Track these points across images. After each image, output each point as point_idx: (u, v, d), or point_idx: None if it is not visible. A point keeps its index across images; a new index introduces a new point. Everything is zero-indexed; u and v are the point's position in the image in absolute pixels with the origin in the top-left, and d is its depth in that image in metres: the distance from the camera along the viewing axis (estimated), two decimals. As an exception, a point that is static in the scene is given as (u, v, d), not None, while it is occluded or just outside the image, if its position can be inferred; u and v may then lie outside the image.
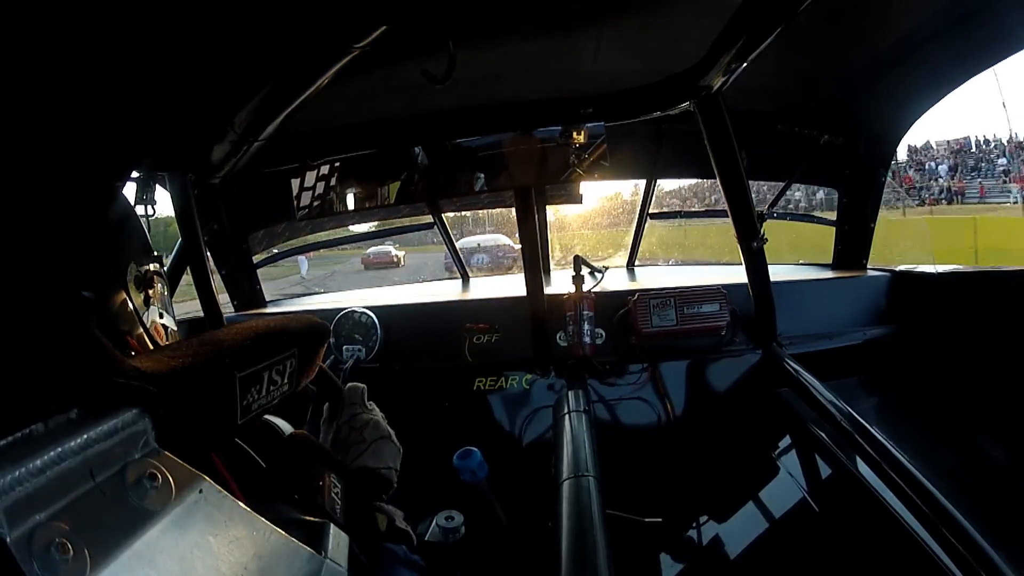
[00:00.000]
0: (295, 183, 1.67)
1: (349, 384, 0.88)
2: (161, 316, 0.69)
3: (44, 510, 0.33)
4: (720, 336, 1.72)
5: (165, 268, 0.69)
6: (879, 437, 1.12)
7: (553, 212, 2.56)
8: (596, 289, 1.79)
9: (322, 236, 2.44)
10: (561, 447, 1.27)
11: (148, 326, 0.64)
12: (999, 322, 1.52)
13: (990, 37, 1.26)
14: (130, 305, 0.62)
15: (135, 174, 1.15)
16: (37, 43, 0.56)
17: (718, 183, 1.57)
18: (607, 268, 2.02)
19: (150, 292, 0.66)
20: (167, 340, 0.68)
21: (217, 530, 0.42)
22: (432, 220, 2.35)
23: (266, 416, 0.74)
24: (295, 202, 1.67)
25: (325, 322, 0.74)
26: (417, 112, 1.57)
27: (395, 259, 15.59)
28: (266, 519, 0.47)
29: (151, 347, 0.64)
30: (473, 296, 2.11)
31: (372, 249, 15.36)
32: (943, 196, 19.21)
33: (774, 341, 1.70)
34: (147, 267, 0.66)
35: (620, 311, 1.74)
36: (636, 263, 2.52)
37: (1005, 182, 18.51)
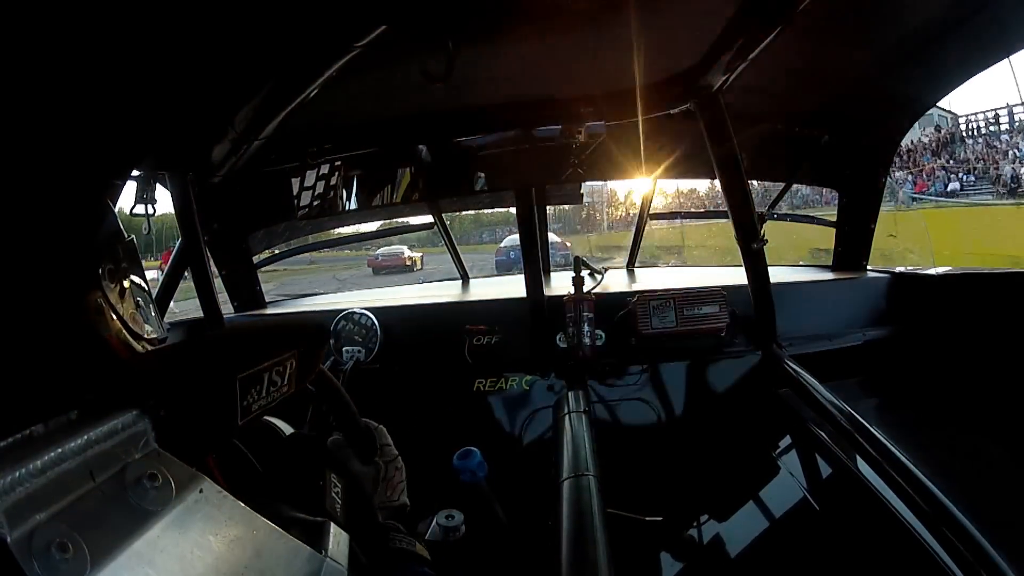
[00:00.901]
0: (295, 183, 1.66)
1: (377, 425, 0.91)
2: (145, 321, 0.68)
3: (44, 510, 0.32)
4: (720, 337, 1.72)
5: (129, 264, 0.67)
6: (879, 437, 1.12)
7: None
8: (596, 290, 1.79)
9: (322, 236, 2.44)
10: (561, 447, 1.27)
11: (128, 320, 0.64)
12: (999, 323, 1.52)
13: (991, 37, 1.26)
14: (109, 302, 0.61)
15: (135, 173, 1.16)
16: (37, 43, 0.56)
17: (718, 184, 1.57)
18: (607, 269, 2.02)
19: (125, 286, 0.65)
20: (147, 333, 0.67)
21: (217, 530, 0.42)
22: (432, 220, 2.36)
23: (266, 417, 0.74)
24: (295, 202, 1.67)
25: (325, 323, 0.74)
26: (417, 112, 1.56)
27: (409, 261, 13.78)
28: (266, 519, 0.47)
29: (134, 344, 0.63)
30: (473, 297, 2.12)
31: (382, 250, 13.76)
32: None
33: (774, 342, 1.70)
34: (121, 263, 0.65)
35: (620, 312, 1.74)
36: (636, 264, 2.52)
37: None
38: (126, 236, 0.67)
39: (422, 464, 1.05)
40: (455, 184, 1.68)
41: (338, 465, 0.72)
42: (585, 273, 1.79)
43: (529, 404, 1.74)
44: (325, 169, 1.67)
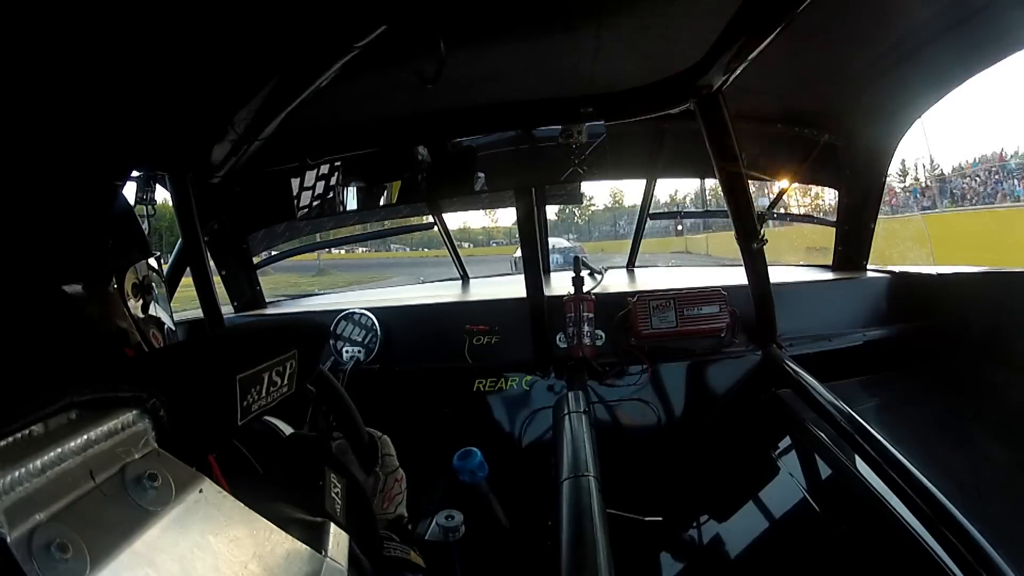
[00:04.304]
0: (295, 183, 1.67)
1: (380, 435, 0.91)
2: (158, 318, 0.69)
3: (44, 510, 0.32)
4: (720, 337, 1.72)
5: (163, 269, 0.68)
6: (879, 437, 1.12)
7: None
8: (596, 290, 1.79)
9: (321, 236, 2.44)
10: (561, 447, 1.27)
11: (145, 330, 0.64)
12: (998, 322, 1.52)
13: (990, 37, 1.26)
14: (127, 308, 0.62)
15: (135, 174, 1.16)
16: (38, 42, 0.56)
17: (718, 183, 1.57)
18: (607, 269, 2.02)
19: (147, 297, 0.66)
20: (165, 342, 0.68)
21: (217, 530, 0.41)
22: (432, 220, 2.36)
23: (266, 417, 0.74)
24: (295, 202, 1.67)
25: (325, 323, 0.74)
26: (417, 112, 1.57)
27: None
28: (266, 519, 0.47)
29: (147, 350, 0.63)
30: (473, 297, 2.12)
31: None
32: None
33: (774, 342, 1.70)
34: (146, 273, 0.66)
35: (620, 312, 1.74)
36: (636, 264, 2.53)
37: None
38: (150, 248, 0.68)
39: (422, 464, 1.05)
40: (455, 184, 1.68)
41: (338, 464, 0.72)
42: (585, 273, 1.79)
43: (529, 404, 1.74)
44: (325, 169, 1.67)
